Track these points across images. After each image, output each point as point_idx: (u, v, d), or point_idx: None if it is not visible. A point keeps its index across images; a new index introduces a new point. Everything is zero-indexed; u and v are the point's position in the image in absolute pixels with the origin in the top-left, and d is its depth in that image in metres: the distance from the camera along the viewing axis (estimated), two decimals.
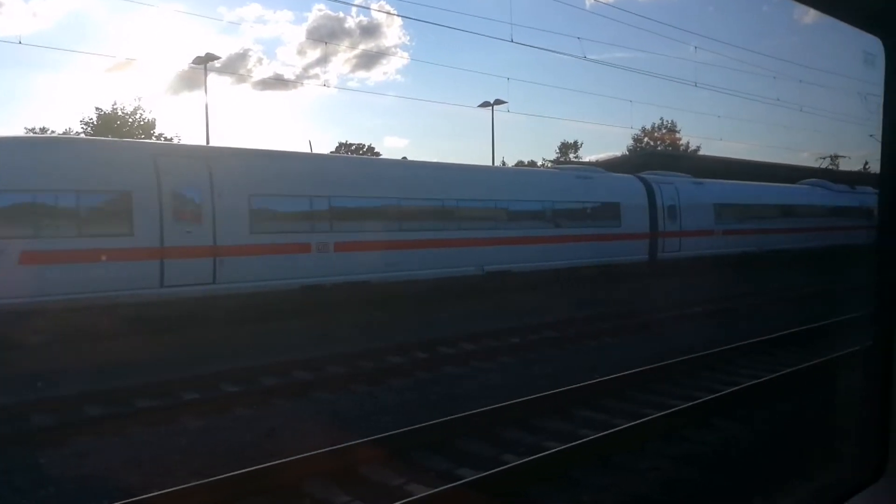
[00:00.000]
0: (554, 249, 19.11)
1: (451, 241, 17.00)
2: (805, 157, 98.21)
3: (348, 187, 15.83)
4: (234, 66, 67.41)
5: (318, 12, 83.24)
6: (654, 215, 22.34)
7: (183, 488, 5.35)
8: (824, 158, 37.13)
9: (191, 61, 34.39)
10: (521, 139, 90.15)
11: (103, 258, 11.89)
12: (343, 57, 79.94)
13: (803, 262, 25.86)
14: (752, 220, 26.22)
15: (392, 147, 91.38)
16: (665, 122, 64.34)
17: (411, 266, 16.11)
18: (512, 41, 21.92)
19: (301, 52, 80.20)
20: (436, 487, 5.46)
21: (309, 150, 20.44)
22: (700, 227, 23.64)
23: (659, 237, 22.33)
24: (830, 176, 34.44)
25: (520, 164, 55.97)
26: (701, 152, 53.63)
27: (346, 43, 75.60)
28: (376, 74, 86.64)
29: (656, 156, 38.33)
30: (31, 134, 34.94)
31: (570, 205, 20.27)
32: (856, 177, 37.01)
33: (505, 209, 18.64)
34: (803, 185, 32.00)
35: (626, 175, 26.58)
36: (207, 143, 29.46)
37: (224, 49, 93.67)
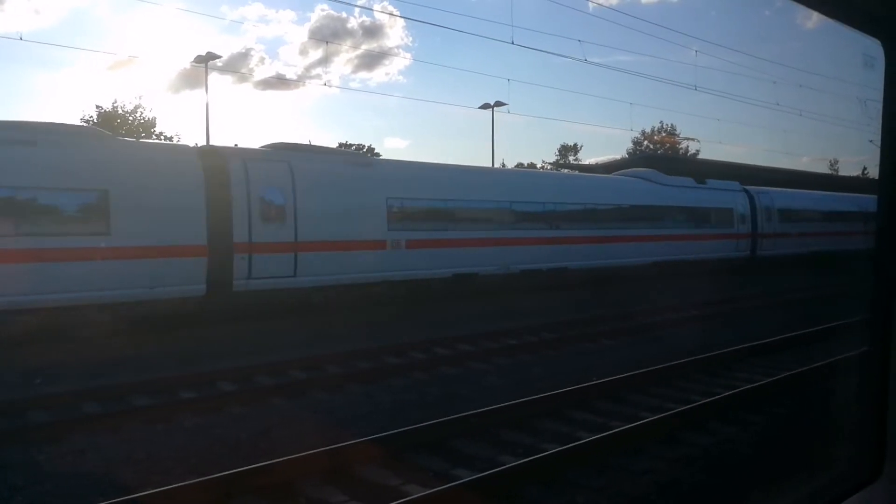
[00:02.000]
0: None
1: None
2: (805, 162, 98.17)
3: None
4: (236, 65, 67.53)
5: (320, 12, 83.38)
6: (226, 217, 13.61)
7: (179, 486, 5.35)
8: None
9: (192, 60, 34.46)
10: (521, 141, 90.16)
11: None
12: (345, 57, 79.95)
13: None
14: (483, 227, 18.01)
15: (393, 148, 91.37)
16: (665, 126, 64.52)
17: None
18: (513, 43, 21.77)
19: (303, 52, 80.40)
20: (432, 488, 5.46)
21: None
22: (353, 236, 15.25)
23: (237, 254, 13.63)
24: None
25: (519, 165, 56.02)
26: (700, 156, 53.75)
27: (348, 43, 75.65)
28: (378, 75, 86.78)
29: (656, 159, 38.34)
30: None
31: None
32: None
33: None
34: (620, 175, 24.28)
35: (158, 143, 17.11)
36: (207, 142, 29.41)
37: (226, 48, 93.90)
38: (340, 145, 60.38)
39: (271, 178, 14.26)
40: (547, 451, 6.28)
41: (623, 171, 25.29)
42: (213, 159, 14.10)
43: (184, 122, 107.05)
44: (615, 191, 22.32)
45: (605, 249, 20.32)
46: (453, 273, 16.88)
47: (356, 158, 16.85)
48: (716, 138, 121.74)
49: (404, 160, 18.18)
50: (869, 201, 30.32)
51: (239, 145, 17.00)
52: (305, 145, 16.08)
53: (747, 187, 26.73)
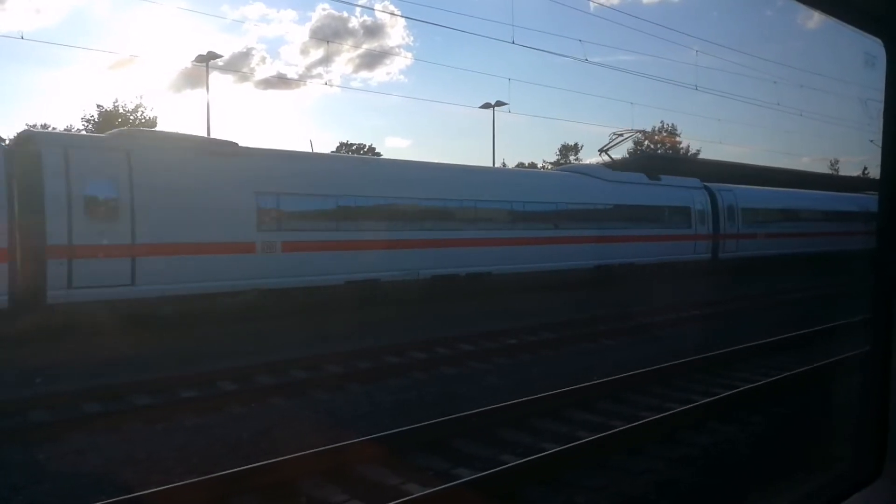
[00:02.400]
0: None
1: None
2: (805, 162, 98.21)
3: None
4: (237, 65, 67.58)
5: (321, 12, 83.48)
6: (37, 214, 11.68)
7: (179, 485, 5.35)
8: (652, 132, 28.27)
9: (193, 59, 34.50)
10: (522, 141, 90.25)
11: None
12: (346, 57, 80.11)
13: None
14: (383, 228, 15.77)
15: (394, 147, 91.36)
16: (666, 126, 64.51)
17: None
18: (514, 43, 21.37)
19: (304, 52, 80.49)
20: (432, 487, 5.45)
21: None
22: (211, 237, 13.24)
23: (52, 259, 11.67)
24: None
25: (520, 165, 56.02)
26: (701, 156, 53.78)
27: (349, 43, 75.62)
28: (379, 74, 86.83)
29: (656, 158, 38.34)
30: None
31: None
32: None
33: None
34: (558, 171, 22.67)
35: None
36: None
37: (227, 47, 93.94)
38: (341, 144, 60.43)
39: (101, 169, 12.21)
40: (547, 450, 6.28)
41: (563, 166, 24.19)
42: (24, 147, 12.23)
43: (185, 121, 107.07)
44: (548, 188, 20.27)
45: (535, 252, 18.26)
46: (345, 280, 14.92)
47: (218, 147, 14.12)
48: (717, 138, 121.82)
49: (282, 149, 15.17)
50: (862, 200, 29.74)
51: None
52: (152, 131, 13.87)
53: (709, 184, 24.55)
